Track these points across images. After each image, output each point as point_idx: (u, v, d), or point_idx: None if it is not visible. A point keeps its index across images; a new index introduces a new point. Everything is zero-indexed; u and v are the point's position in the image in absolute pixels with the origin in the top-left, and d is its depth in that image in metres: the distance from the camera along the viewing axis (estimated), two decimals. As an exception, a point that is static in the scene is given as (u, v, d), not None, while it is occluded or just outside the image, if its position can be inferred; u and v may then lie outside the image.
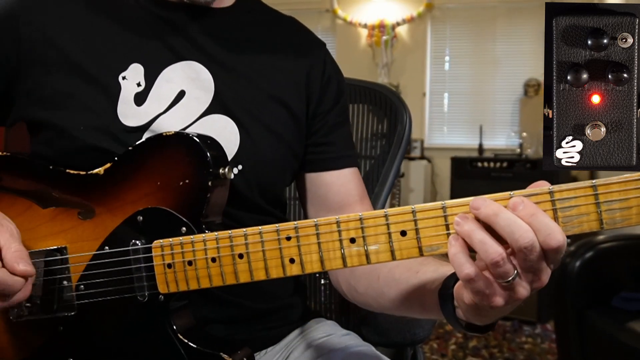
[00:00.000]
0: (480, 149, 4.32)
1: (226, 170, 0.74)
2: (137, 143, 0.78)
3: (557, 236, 0.53)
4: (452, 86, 4.78)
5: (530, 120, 4.27)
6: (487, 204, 0.57)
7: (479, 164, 3.80)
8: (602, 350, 2.05)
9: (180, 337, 0.73)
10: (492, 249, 0.55)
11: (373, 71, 4.76)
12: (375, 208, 1.19)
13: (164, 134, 0.76)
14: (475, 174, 3.79)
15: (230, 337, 0.86)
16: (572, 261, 2.12)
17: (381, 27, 4.76)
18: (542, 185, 0.56)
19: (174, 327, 0.73)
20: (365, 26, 4.81)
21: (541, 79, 3.81)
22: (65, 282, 0.77)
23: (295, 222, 0.65)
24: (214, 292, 0.82)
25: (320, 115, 0.93)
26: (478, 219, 0.57)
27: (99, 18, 0.85)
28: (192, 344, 0.73)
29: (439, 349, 3.03)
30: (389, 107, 1.27)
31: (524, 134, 4.21)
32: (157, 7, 0.86)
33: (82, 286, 0.77)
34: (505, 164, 3.73)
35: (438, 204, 0.60)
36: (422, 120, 4.73)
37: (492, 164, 3.77)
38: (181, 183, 0.74)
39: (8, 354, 0.80)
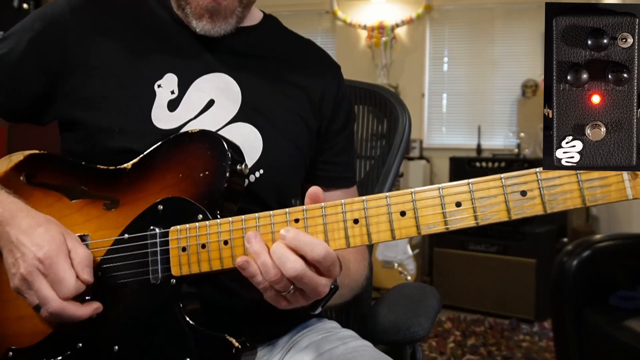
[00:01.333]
0: (479, 149, 4.32)
1: (243, 166, 0.80)
2: (163, 140, 0.83)
3: (318, 249, 0.66)
4: (451, 87, 4.78)
5: (527, 120, 4.27)
6: (253, 243, 0.69)
7: (477, 164, 3.79)
8: (599, 348, 2.05)
9: (188, 319, 0.76)
10: (272, 271, 0.67)
11: (372, 72, 4.75)
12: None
13: (190, 131, 0.82)
14: (473, 173, 3.78)
15: (234, 331, 0.86)
16: (570, 260, 2.12)
17: (380, 28, 4.75)
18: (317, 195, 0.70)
19: (183, 311, 0.76)
20: (364, 27, 4.81)
21: (539, 80, 3.84)
22: None
23: (304, 206, 0.70)
24: (223, 281, 0.85)
25: (331, 134, 1.00)
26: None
27: (139, 31, 0.92)
28: (199, 327, 0.76)
29: (437, 347, 3.03)
30: (388, 108, 1.27)
31: (522, 134, 4.21)
32: (185, 28, 0.92)
33: (99, 272, 0.80)
34: (503, 164, 3.72)
35: (435, 187, 0.66)
36: (420, 120, 4.73)
37: (490, 164, 3.76)
38: (201, 175, 0.79)
39: (23, 340, 0.82)
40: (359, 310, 1.18)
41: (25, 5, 2.67)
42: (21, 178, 0.88)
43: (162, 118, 0.87)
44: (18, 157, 0.90)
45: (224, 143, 0.79)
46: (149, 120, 0.87)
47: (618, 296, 2.09)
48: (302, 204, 1.04)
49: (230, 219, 0.73)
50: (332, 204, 0.69)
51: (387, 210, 0.67)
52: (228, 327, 0.85)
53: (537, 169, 0.62)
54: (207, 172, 0.79)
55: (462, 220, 0.65)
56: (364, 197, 0.68)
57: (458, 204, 0.65)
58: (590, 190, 0.59)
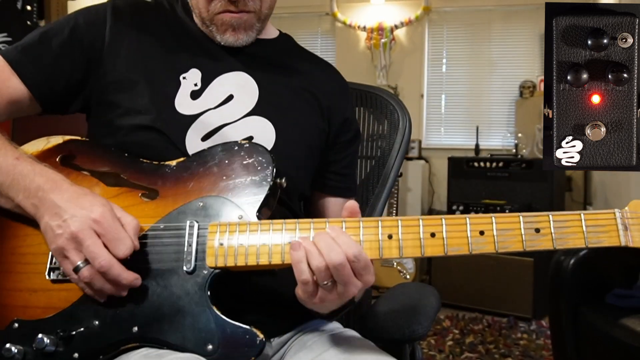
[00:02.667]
0: (477, 149, 4.31)
1: (283, 180, 0.86)
2: (211, 145, 0.88)
3: (356, 247, 0.72)
4: (449, 88, 4.77)
5: (525, 121, 4.26)
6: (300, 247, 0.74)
7: (476, 164, 3.79)
8: (596, 346, 2.04)
9: (214, 309, 0.77)
10: (318, 258, 0.72)
11: (372, 73, 4.75)
12: (375, 208, 1.20)
13: (239, 141, 0.88)
14: (471, 173, 3.78)
15: (239, 319, 0.87)
16: (567, 259, 2.11)
17: (380, 30, 4.74)
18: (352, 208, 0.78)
19: (210, 300, 0.78)
20: (364, 29, 4.80)
21: (536, 80, 3.82)
22: None
23: (343, 219, 0.77)
24: (244, 275, 0.86)
25: (341, 146, 1.07)
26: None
27: (170, 33, 1.01)
28: (225, 317, 0.77)
29: (436, 345, 3.02)
30: (389, 110, 1.27)
31: (520, 134, 4.20)
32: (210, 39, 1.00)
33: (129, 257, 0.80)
34: (501, 164, 3.71)
35: (463, 216, 0.75)
36: (419, 121, 4.72)
37: (488, 164, 3.76)
38: (245, 180, 0.84)
39: (33, 313, 0.81)
40: (360, 310, 1.17)
41: (28, 7, 2.67)
42: (57, 159, 0.89)
43: (184, 104, 0.94)
44: (57, 139, 0.92)
45: (271, 156, 0.85)
46: (172, 105, 0.93)
47: (614, 294, 2.09)
48: (308, 211, 1.10)
49: (270, 222, 0.78)
50: (369, 219, 0.77)
51: (419, 230, 0.75)
52: (236, 317, 0.85)
53: (550, 213, 0.73)
54: (250, 179, 0.84)
55: (484, 246, 0.74)
56: (398, 218, 0.77)
57: (482, 233, 0.74)
58: (594, 235, 0.71)
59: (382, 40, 4.73)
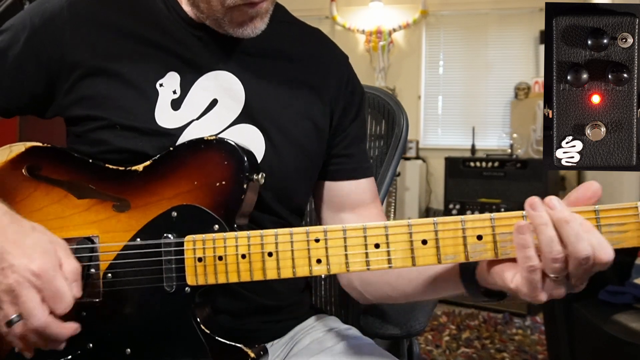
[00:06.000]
0: (473, 149, 4.30)
1: (259, 176, 0.77)
2: (177, 144, 0.79)
3: (608, 251, 0.57)
4: (446, 89, 4.76)
5: (520, 122, 4.26)
6: (563, 208, 0.58)
7: (472, 164, 3.78)
8: (589, 341, 2.04)
9: (203, 327, 0.73)
10: (557, 248, 0.58)
11: (370, 75, 4.74)
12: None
13: (205, 138, 0.78)
14: (468, 173, 3.77)
15: (237, 328, 0.85)
16: (561, 256, 2.10)
17: (378, 33, 4.73)
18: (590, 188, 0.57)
19: (198, 319, 0.73)
20: (363, 32, 4.79)
21: (531, 82, 3.81)
22: (93, 270, 0.76)
23: (325, 226, 0.68)
24: (231, 285, 0.81)
25: (341, 128, 0.93)
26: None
27: (140, 28, 0.85)
28: (214, 336, 0.72)
29: (433, 340, 3.02)
30: (386, 110, 1.26)
31: (515, 135, 4.20)
32: (190, 25, 0.87)
33: (109, 274, 0.76)
34: (496, 164, 3.70)
35: (458, 218, 0.63)
36: (417, 121, 4.71)
37: (484, 164, 3.74)
38: (218, 184, 0.75)
39: None
40: (359, 305, 1.16)
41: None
42: (23, 171, 0.81)
43: (165, 117, 0.83)
44: (19, 148, 0.82)
45: (242, 153, 0.75)
46: (153, 119, 0.82)
47: (607, 291, 2.08)
48: (321, 205, 0.97)
49: (248, 233, 0.70)
50: (353, 227, 0.67)
51: (409, 238, 0.65)
52: (232, 327, 0.83)
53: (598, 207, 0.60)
54: (223, 182, 0.75)
55: (482, 253, 0.63)
56: (385, 224, 0.66)
57: (479, 237, 0.63)
58: (609, 235, 0.58)
59: (381, 43, 4.72)
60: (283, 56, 0.91)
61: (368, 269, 0.65)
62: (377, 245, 0.65)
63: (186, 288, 0.73)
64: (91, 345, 0.76)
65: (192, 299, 0.73)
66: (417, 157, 4.57)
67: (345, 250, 0.66)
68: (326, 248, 0.67)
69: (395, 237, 0.65)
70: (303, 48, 0.94)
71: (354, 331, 0.94)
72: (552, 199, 0.58)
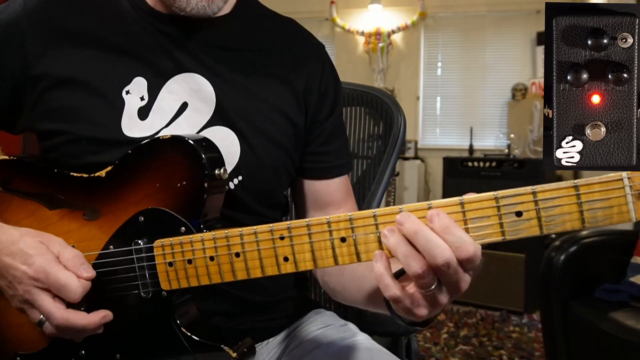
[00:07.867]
0: (471, 149, 4.30)
1: (222, 171, 0.72)
2: (134, 147, 0.75)
3: (468, 248, 0.55)
4: (444, 90, 4.76)
5: (517, 122, 4.25)
6: (410, 220, 0.56)
7: (469, 164, 3.77)
8: (585, 338, 2.03)
9: (184, 330, 0.71)
10: (415, 263, 0.55)
11: (370, 76, 4.73)
12: (371, 205, 1.18)
13: (161, 137, 0.74)
14: (465, 173, 3.76)
15: (232, 329, 0.84)
16: (557, 255, 2.10)
17: (377, 34, 4.73)
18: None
19: (178, 322, 0.71)
20: (362, 34, 4.79)
21: (528, 83, 3.80)
22: None
23: (289, 223, 0.64)
24: (217, 285, 0.79)
25: (317, 124, 0.89)
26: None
27: (103, 32, 0.81)
28: (194, 337, 0.71)
29: (431, 337, 3.01)
30: (384, 110, 1.25)
31: (512, 135, 4.19)
32: (156, 20, 0.82)
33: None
34: (494, 164, 3.70)
35: (424, 204, 0.58)
36: (415, 122, 4.71)
37: (481, 164, 3.74)
38: (179, 185, 0.72)
39: (29, 346, 0.78)
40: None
41: None
42: None
43: (132, 128, 0.78)
44: None
45: (198, 150, 0.71)
46: (119, 131, 0.78)
47: (603, 289, 2.08)
48: (295, 200, 0.96)
49: (213, 234, 0.67)
50: (317, 221, 0.62)
51: (376, 229, 0.59)
52: (226, 328, 0.83)
53: (534, 187, 0.55)
54: (184, 182, 0.72)
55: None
56: (350, 215, 0.61)
57: None
58: (591, 212, 0.52)
59: (380, 45, 4.72)
60: (254, 51, 0.86)
61: (337, 264, 0.62)
62: (343, 240, 0.61)
63: (162, 292, 0.71)
64: (83, 352, 0.76)
65: (169, 302, 0.71)
66: (416, 157, 4.57)
67: (312, 246, 0.63)
68: (292, 245, 0.64)
69: (361, 229, 0.60)
70: (275, 40, 0.89)
71: (350, 327, 0.92)
72: (400, 216, 0.57)
